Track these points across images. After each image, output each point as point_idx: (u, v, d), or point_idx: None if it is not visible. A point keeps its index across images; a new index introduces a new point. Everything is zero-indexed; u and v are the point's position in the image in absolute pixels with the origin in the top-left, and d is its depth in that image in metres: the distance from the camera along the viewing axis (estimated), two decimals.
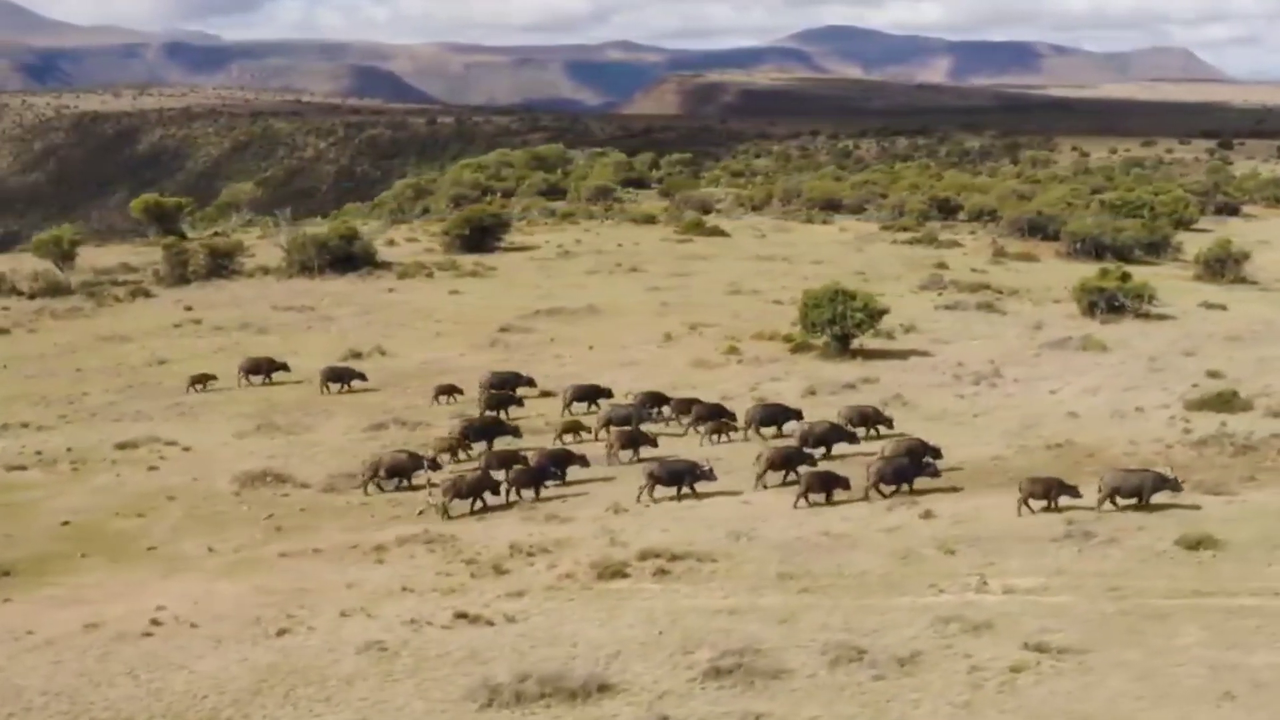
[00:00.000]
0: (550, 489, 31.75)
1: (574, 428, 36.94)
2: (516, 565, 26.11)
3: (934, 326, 53.49)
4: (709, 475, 31.11)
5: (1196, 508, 28.76)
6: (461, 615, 23.32)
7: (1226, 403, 37.65)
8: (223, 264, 67.23)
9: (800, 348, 48.25)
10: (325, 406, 41.06)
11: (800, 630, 22.24)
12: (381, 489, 32.33)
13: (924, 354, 47.94)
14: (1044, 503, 28.83)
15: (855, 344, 47.83)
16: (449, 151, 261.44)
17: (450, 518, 29.96)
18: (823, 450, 34.34)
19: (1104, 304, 56.32)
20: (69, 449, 36.09)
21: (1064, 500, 28.85)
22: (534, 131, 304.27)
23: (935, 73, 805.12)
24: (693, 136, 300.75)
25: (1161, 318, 56.37)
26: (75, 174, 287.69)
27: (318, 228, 76.58)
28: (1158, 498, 28.82)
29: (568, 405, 40.25)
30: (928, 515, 28.51)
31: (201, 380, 43.46)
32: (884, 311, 47.91)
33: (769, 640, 21.78)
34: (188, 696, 20.79)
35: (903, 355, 47.55)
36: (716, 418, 37.35)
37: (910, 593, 24.00)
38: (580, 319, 55.95)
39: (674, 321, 54.33)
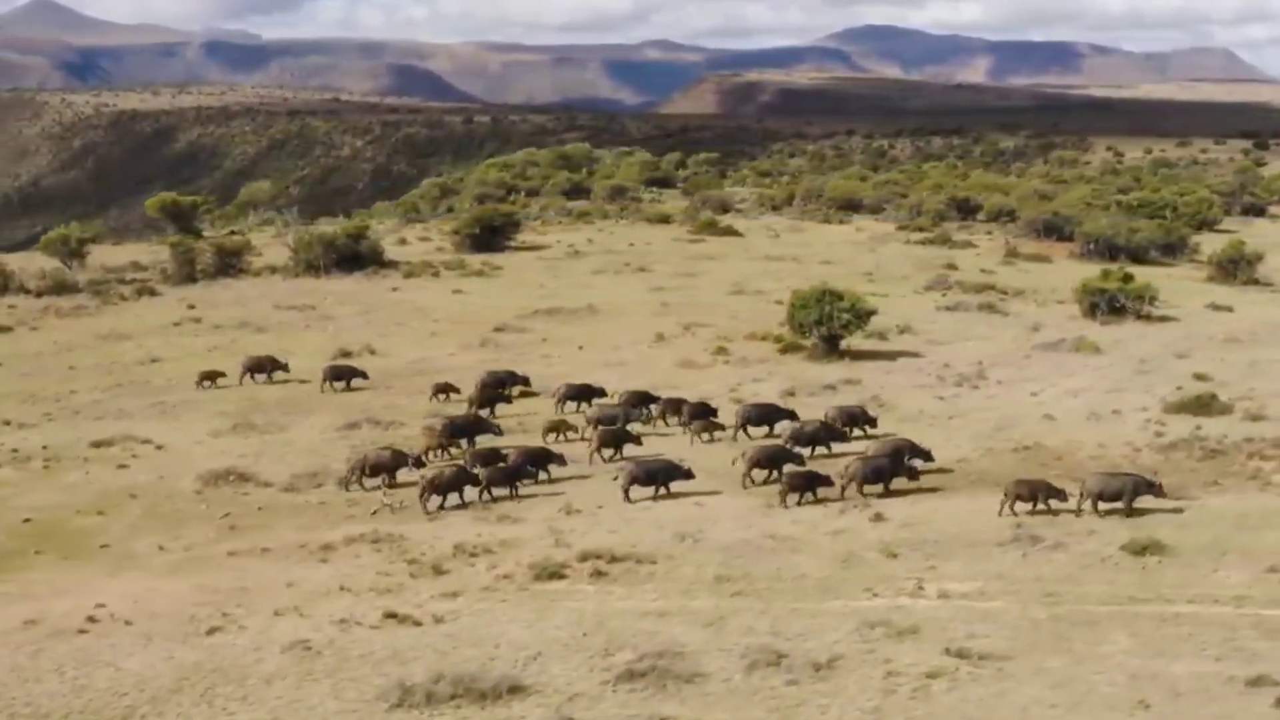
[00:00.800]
0: (530, 486, 31.85)
1: (559, 427, 36.94)
2: (457, 566, 26.12)
3: (931, 327, 53.19)
4: (687, 474, 31.03)
5: (1152, 512, 28.46)
6: (391, 615, 23.34)
7: (1205, 406, 37.24)
8: (230, 263, 67.59)
9: (789, 348, 48.05)
10: (307, 405, 41.18)
11: (725, 634, 22.13)
12: (363, 486, 32.34)
13: (915, 355, 47.67)
14: (1030, 505, 28.59)
15: (847, 345, 47.60)
16: (485, 150, 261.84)
17: (429, 512, 30.19)
18: (811, 449, 34.23)
19: (1105, 305, 55.90)
20: (45, 447, 36.31)
21: (1053, 503, 28.71)
22: (570, 130, 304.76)
23: (975, 73, 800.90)
24: (729, 136, 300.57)
25: (1164, 319, 55.89)
26: (113, 172, 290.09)
27: (327, 227, 76.87)
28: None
29: (560, 404, 40.25)
30: (878, 518, 28.34)
31: (210, 377, 43.70)
32: (871, 312, 47.63)
33: (692, 643, 21.69)
34: (108, 694, 20.88)
35: (892, 356, 47.29)
36: (706, 416, 37.33)
37: (844, 596, 23.86)
38: (577, 319, 55.93)
39: (671, 322, 54.22)
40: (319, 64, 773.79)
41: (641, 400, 39.43)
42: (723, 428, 36.97)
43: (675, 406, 38.79)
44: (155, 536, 28.89)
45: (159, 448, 36.02)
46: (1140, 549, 25.62)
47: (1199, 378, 42.22)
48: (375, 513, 30.26)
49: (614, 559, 25.81)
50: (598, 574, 25.23)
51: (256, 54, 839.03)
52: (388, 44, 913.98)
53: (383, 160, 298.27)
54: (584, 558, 25.91)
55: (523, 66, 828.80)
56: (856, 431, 35.87)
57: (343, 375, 43.95)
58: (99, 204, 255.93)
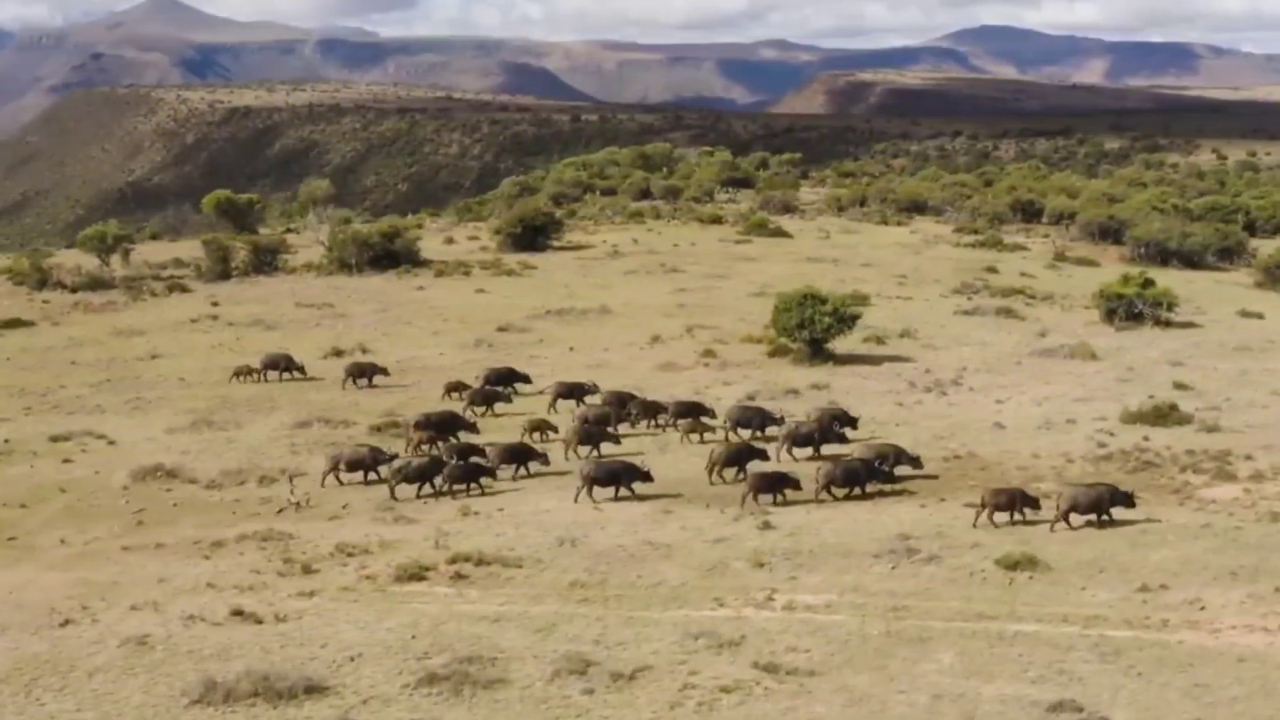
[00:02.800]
0: (499, 481, 32.52)
1: (541, 426, 37.07)
2: (329, 565, 26.30)
3: (936, 332, 52.48)
4: (646, 476, 30.98)
5: (1043, 523, 27.90)
6: (237, 613, 23.58)
7: (1161, 417, 36.27)
8: (266, 260, 68.74)
9: (778, 351, 47.67)
10: (275, 404, 41.70)
11: (549, 641, 22.04)
12: (340, 482, 32.68)
13: (904, 360, 47.03)
14: (1008, 515, 28.15)
15: (837, 348, 47.08)
16: (591, 149, 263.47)
17: (397, 500, 31.00)
18: (815, 451, 34.12)
19: (1123, 311, 54.75)
20: (6, 440, 37.22)
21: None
22: (676, 129, 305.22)
23: (1092, 74, 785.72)
24: (835, 136, 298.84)
25: (1185, 325, 54.63)
26: (224, 168, 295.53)
27: (363, 225, 77.81)
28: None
29: (553, 403, 40.43)
30: (766, 526, 28.02)
31: (244, 373, 44.48)
32: (855, 316, 47.08)
33: (511, 649, 21.65)
34: None
35: (879, 361, 46.68)
36: (694, 415, 37.27)
37: (689, 606, 23.63)
38: (585, 320, 56.05)
39: (677, 324, 54.11)
40: (434, 62, 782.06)
41: (620, 401, 39.46)
42: (710, 429, 36.83)
43: (650, 408, 38.77)
44: (64, 530, 29.44)
45: (111, 443, 36.71)
46: (1012, 564, 25.06)
47: (1179, 387, 41.25)
48: (281, 511, 30.58)
49: (482, 562, 25.81)
50: (458, 577, 25.25)
51: (373, 52, 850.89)
52: (503, 42, 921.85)
53: (489, 159, 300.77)
54: (453, 560, 25.95)
55: (637, 65, 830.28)
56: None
57: (365, 372, 44.52)
58: None
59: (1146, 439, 34.62)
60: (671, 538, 27.56)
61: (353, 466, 33.46)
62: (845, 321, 46.25)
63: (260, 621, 23.28)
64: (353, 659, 21.51)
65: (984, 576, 24.90)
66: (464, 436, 36.22)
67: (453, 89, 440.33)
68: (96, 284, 63.99)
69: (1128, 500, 28.24)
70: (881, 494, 30.80)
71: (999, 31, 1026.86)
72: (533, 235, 76.24)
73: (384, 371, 44.72)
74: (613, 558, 26.28)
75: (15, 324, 55.50)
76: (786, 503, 30.11)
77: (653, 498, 30.73)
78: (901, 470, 31.75)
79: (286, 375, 44.97)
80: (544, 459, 33.71)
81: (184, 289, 64.12)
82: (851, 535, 27.40)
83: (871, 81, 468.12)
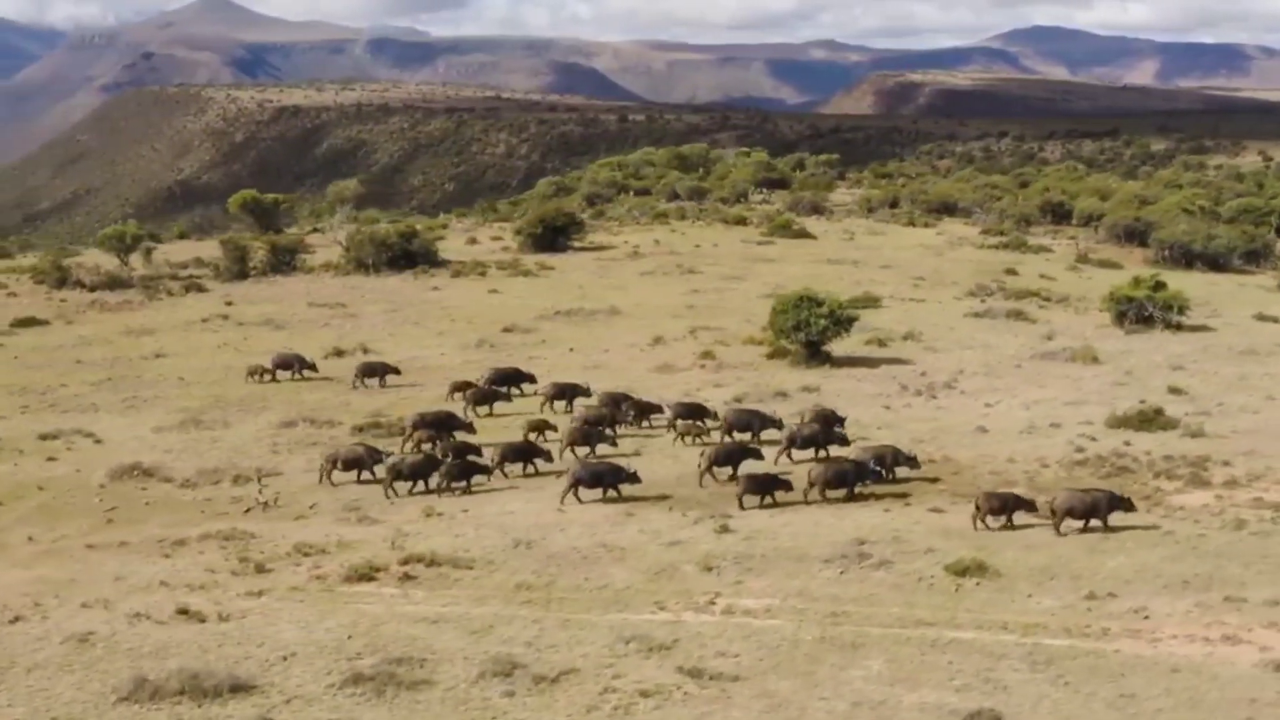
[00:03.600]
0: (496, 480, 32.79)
1: (541, 426, 37.15)
2: (284, 565, 26.45)
3: (941, 335, 52.19)
4: (632, 478, 31.00)
5: (1006, 530, 27.72)
6: (182, 611, 23.75)
7: (1146, 421, 35.93)
8: (284, 260, 69.24)
9: (777, 354, 47.54)
10: (266, 403, 41.99)
11: (483, 642, 22.09)
12: (333, 483, 32.83)
13: (903, 363, 46.77)
14: (1003, 519, 28.03)
15: (834, 350, 46.92)
16: (638, 148, 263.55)
17: (393, 497, 31.35)
18: (815, 452, 34.09)
19: (1133, 314, 54.28)
20: None
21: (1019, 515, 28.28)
22: (723, 130, 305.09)
23: (1143, 75, 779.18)
24: (882, 136, 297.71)
25: (1197, 329, 54.06)
26: (273, 166, 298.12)
27: (383, 225, 78.16)
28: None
29: (547, 403, 40.50)
30: (724, 530, 27.92)
31: (258, 372, 44.83)
32: (852, 319, 46.88)
33: (444, 650, 21.72)
34: None
35: (875, 364, 46.47)
36: (694, 417, 37.24)
37: (630, 609, 23.63)
38: (592, 321, 56.14)
39: (682, 325, 54.09)
40: (483, 62, 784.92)
41: (615, 402, 39.51)
42: (707, 431, 36.80)
43: (645, 409, 38.81)
44: (35, 528, 29.75)
45: (98, 442, 37.07)
46: (962, 570, 24.91)
47: (1173, 391, 40.88)
48: (248, 510, 30.79)
49: (433, 563, 25.90)
50: (407, 578, 25.34)
51: (423, 51, 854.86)
52: (553, 42, 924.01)
53: (536, 158, 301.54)
54: (405, 561, 26.06)
55: (687, 65, 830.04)
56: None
57: (375, 372, 44.78)
58: None
59: (1128, 444, 34.31)
60: (628, 540, 27.54)
61: (349, 465, 33.67)
62: (842, 324, 46.06)
63: (204, 620, 23.45)
64: (285, 658, 21.65)
65: (931, 582, 24.75)
66: (462, 436, 36.36)
67: (501, 89, 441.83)
68: (114, 283, 64.62)
69: (1126, 505, 27.94)
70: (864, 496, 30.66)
71: (1050, 32, 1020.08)
72: (553, 236, 76.37)
73: (395, 370, 44.93)
74: (564, 560, 26.31)
75: (30, 322, 56.18)
76: (775, 504, 30.00)
77: (631, 499, 30.68)
78: (902, 471, 31.69)
79: (298, 375, 45.27)
80: (548, 456, 34.00)
81: (200, 288, 64.70)
82: (808, 540, 27.28)
83: (921, 82, 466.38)
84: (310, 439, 36.98)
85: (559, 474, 32.54)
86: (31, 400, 42.86)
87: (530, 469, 33.81)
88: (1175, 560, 25.80)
